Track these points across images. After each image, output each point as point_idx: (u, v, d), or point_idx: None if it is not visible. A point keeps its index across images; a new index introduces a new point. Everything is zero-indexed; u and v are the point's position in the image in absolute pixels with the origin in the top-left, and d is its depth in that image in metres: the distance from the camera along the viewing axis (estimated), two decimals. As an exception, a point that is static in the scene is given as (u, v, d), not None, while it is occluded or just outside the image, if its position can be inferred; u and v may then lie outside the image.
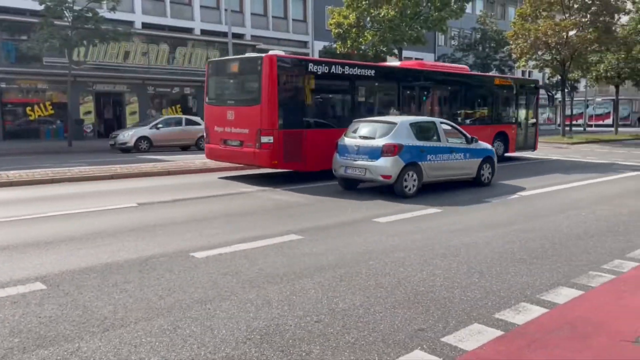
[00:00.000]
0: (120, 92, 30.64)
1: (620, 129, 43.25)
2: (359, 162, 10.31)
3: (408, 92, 15.21)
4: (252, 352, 3.68)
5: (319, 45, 37.26)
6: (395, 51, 24.40)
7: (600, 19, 31.11)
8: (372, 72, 13.99)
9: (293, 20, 37.44)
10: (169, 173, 14.05)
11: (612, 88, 45.04)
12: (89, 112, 29.40)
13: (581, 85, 50.02)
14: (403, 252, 6.27)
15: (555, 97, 21.51)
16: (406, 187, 10.17)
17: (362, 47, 26.32)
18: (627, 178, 13.87)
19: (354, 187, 11.21)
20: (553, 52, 32.17)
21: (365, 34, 23.58)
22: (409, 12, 22.22)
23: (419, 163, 10.34)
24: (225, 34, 29.26)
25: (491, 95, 18.24)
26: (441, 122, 11.51)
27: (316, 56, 37.40)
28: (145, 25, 30.84)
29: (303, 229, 7.35)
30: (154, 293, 4.82)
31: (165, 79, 31.35)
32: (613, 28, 32.97)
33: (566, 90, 38.56)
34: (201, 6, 33.07)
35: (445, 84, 16.52)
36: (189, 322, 4.17)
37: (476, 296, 4.83)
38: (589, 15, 31.71)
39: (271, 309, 4.46)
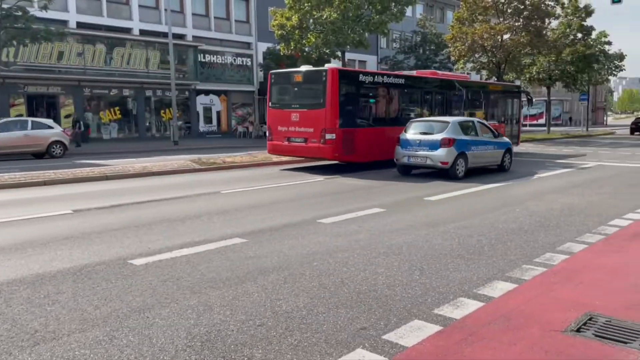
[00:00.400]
0: (54, 94, 29.33)
1: (552, 128, 45.55)
2: (421, 153, 13.44)
3: (427, 95, 18.34)
4: (192, 359, 3.60)
5: (263, 46, 37.09)
6: (339, 54, 24.60)
7: (532, 23, 32.65)
8: (402, 80, 17.24)
9: (236, 21, 37.03)
10: (107, 178, 13.57)
11: (544, 89, 47.36)
12: (21, 115, 27.93)
13: (516, 87, 52.19)
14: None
15: (531, 98, 24.57)
16: (457, 171, 13.33)
17: (306, 49, 26.41)
18: (558, 175, 14.60)
19: (408, 173, 14.26)
20: (489, 54, 33.48)
21: (309, 35, 23.64)
22: (350, 14, 22.46)
23: (466, 152, 13.53)
24: (165, 35, 28.60)
25: (486, 97, 21.24)
26: (478, 121, 14.96)
27: (260, 57, 37.21)
28: (80, 25, 29.64)
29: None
30: (88, 303, 4.63)
31: (102, 81, 30.29)
32: (544, 32, 34.68)
33: (502, 91, 40.09)
34: (139, 5, 32.14)
35: (453, 88, 19.16)
36: (126, 332, 4.03)
37: (417, 293, 4.93)
38: (521, 20, 33.22)
39: (213, 315, 4.38)
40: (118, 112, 31.69)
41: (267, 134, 16.48)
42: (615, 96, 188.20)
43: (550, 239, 7.03)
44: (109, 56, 30.45)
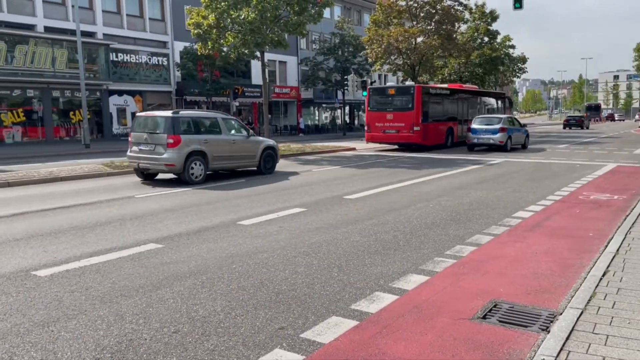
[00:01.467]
0: (-54, 95, 26.86)
1: (463, 127, 47.90)
2: (485, 136, 22.54)
3: (459, 102, 27.10)
4: (101, 372, 3.44)
5: (180, 45, 36.10)
6: (258, 54, 24.41)
7: (443, 27, 34.22)
8: (448, 91, 26.41)
9: (150, 19, 35.73)
10: (8, 185, 12.63)
11: (455, 90, 49.71)
12: None
13: (430, 88, 54.45)
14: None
15: (513, 101, 31.68)
16: (508, 146, 22.53)
17: (224, 49, 25.99)
18: (469, 171, 15.40)
19: (473, 149, 23.09)
20: (404, 56, 34.68)
21: (227, 35, 23.27)
22: (268, 15, 22.35)
23: (511, 135, 22.87)
24: (73, 32, 27.06)
25: (488, 102, 31.13)
26: (514, 118, 26.09)
27: (177, 57, 36.18)
28: (-25, 20, 27.37)
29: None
30: (-15, 320, 4.28)
31: (3, 80, 28.14)
32: (454, 35, 36.45)
33: (417, 92, 41.69)
34: (44, 1, 30.18)
35: (472, 95, 28.97)
36: (28, 348, 3.77)
37: (335, 290, 5.01)
38: (433, 24, 34.73)
39: (124, 324, 4.20)
40: (22, 114, 29.58)
41: (366, 128, 24.89)
42: (520, 96, 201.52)
43: (460, 231, 7.39)
44: (10, 54, 28.34)
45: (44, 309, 4.53)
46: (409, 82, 33.87)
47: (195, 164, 12.68)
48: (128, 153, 13.31)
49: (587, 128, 54.55)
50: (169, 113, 12.77)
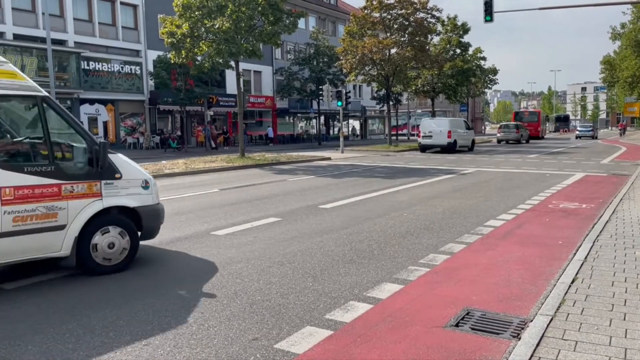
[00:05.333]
0: None
1: (437, 137, 48.47)
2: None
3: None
4: (69, 387, 3.35)
5: (153, 54, 35.76)
6: (232, 63, 24.37)
7: (416, 38, 34.73)
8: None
9: (123, 27, 35.37)
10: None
11: (429, 101, 50.48)
12: None
13: (404, 99, 55.20)
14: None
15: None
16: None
17: (198, 58, 25.86)
18: (442, 180, 15.59)
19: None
20: (378, 67, 35.06)
21: (201, 44, 23.19)
22: (243, 25, 22.37)
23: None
24: (43, 40, 26.57)
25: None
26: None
27: (150, 66, 35.82)
28: (-60, 26, 26.67)
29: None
30: (-53, 335, 4.13)
31: (-31, 88, 27.37)
32: (427, 47, 37.04)
33: (391, 103, 42.24)
34: (13, 8, 29.61)
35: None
36: None
37: (309, 299, 4.99)
38: (406, 35, 35.23)
39: (94, 337, 4.10)
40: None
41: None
42: (492, 107, 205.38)
43: (434, 240, 7.47)
44: (-24, 61, 27.63)
45: (10, 322, 4.39)
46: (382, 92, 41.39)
47: None
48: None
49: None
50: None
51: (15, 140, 5.78)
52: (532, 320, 4.29)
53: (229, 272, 5.91)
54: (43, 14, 27.34)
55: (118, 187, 5.95)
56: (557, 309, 4.46)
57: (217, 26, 22.35)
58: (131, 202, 6.08)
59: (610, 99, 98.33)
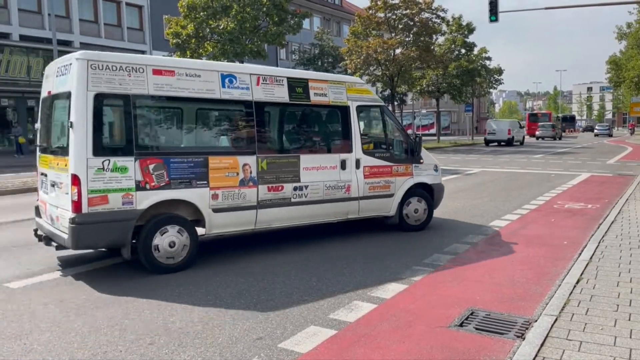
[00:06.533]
0: None
1: (441, 138, 48.49)
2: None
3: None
4: (75, 385, 3.37)
5: (159, 55, 35.82)
6: (237, 64, 24.45)
7: (421, 38, 34.65)
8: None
9: (128, 28, 35.47)
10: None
11: (434, 101, 50.37)
12: None
13: (408, 99, 55.10)
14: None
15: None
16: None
17: (203, 59, 25.92)
18: (447, 181, 15.54)
19: None
20: (383, 67, 35.01)
21: (205, 45, 23.26)
22: (248, 25, 22.42)
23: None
24: (49, 40, 26.67)
25: None
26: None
27: (155, 67, 35.83)
28: (-52, 28, 26.83)
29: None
30: (-46, 334, 4.17)
31: (-24, 89, 27.58)
32: (432, 47, 36.94)
33: (396, 103, 42.17)
34: (19, 9, 29.74)
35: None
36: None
37: (313, 299, 5.00)
38: (411, 35, 35.15)
39: (99, 336, 4.13)
40: (-6, 123, 29.01)
41: (526, 129, 46.13)
42: (497, 107, 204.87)
43: (438, 240, 7.46)
44: (-17, 62, 27.81)
45: (16, 321, 4.43)
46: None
47: None
48: None
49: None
50: None
51: (369, 135, 8.23)
52: (536, 321, 4.29)
53: (233, 271, 5.92)
54: (49, 15, 27.48)
55: (421, 169, 8.24)
56: (562, 309, 4.45)
57: (222, 27, 22.42)
58: (428, 180, 8.37)
59: (616, 99, 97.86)
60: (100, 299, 4.99)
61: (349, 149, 7.42)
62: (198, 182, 6.04)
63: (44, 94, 6.50)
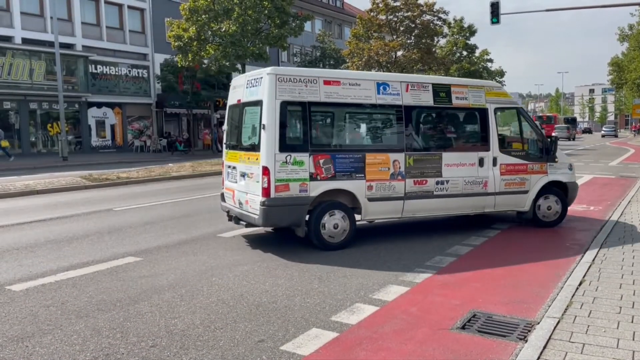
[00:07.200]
0: None
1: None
2: None
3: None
4: (76, 388, 3.37)
5: (160, 57, 35.91)
6: (239, 66, 24.48)
7: (423, 41, 34.68)
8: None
9: (130, 31, 35.54)
10: (-17, 198, 12.38)
11: (435, 103, 50.36)
12: None
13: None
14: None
15: None
16: None
17: (205, 61, 25.98)
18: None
19: None
20: (384, 70, 35.01)
21: (207, 47, 23.31)
22: (249, 28, 22.47)
23: None
24: (51, 44, 26.77)
25: None
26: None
27: (157, 69, 35.95)
28: (-49, 31, 26.91)
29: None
30: (-44, 336, 4.17)
31: (-21, 92, 27.65)
32: (433, 49, 36.96)
33: (397, 105, 42.09)
34: (22, 12, 29.84)
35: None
36: (1, 365, 3.68)
37: (315, 301, 4.99)
38: (413, 38, 35.18)
39: (101, 339, 4.13)
40: (-4, 126, 29.05)
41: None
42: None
43: (440, 242, 7.45)
44: (-14, 66, 27.90)
45: (18, 324, 4.43)
46: None
47: None
48: None
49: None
50: None
51: (506, 135, 8.64)
52: (539, 323, 4.27)
53: (235, 274, 5.92)
54: (51, 18, 27.57)
55: (555, 167, 8.58)
56: (565, 312, 4.44)
57: (223, 29, 22.47)
58: (563, 178, 8.65)
59: (618, 101, 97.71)
60: (102, 302, 4.99)
61: (486, 148, 8.01)
62: (357, 175, 7.09)
63: (232, 101, 7.83)
